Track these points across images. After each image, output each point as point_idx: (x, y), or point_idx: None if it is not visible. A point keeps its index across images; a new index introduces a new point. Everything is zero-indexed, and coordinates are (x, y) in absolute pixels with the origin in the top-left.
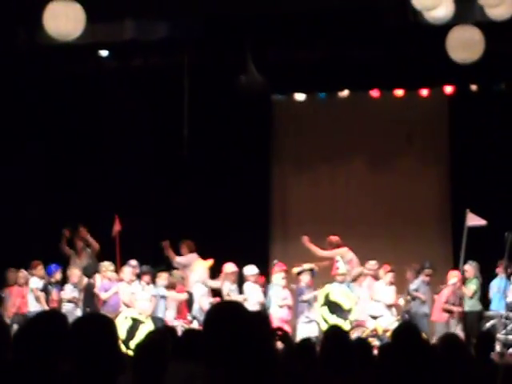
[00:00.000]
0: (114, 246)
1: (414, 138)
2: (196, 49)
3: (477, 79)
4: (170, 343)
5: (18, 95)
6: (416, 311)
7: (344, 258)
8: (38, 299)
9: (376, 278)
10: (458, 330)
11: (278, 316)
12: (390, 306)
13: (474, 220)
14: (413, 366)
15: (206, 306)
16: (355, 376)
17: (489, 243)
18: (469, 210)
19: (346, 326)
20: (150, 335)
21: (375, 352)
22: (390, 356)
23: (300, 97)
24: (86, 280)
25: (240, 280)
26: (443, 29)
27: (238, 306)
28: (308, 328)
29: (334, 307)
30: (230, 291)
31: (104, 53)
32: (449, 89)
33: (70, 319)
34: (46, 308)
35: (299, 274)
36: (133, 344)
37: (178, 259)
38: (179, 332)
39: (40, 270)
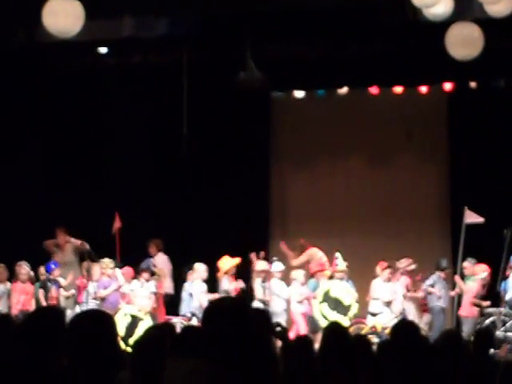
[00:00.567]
0: (114, 243)
1: (413, 135)
2: (195, 46)
3: (476, 76)
4: (168, 339)
5: (17, 92)
6: (432, 306)
7: (314, 258)
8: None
9: (407, 274)
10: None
11: (298, 311)
12: (388, 303)
13: (471, 217)
14: (412, 362)
15: (205, 303)
16: (354, 373)
17: (487, 240)
18: (467, 208)
19: (345, 322)
20: (148, 331)
21: (374, 349)
22: (389, 353)
23: (299, 94)
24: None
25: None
26: (442, 26)
27: (236, 302)
28: None
29: (333, 303)
30: (261, 288)
31: (103, 50)
32: (448, 86)
33: None
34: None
35: None
36: (132, 341)
37: (294, 262)
38: (178, 329)
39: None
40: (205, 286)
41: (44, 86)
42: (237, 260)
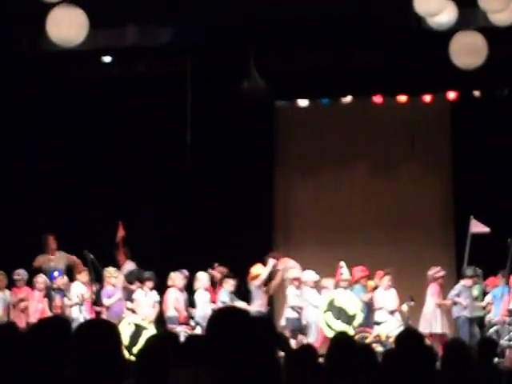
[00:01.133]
0: (117, 252)
1: (417, 144)
2: (199, 55)
3: (480, 85)
4: (171, 348)
5: (21, 101)
6: (458, 317)
7: (286, 268)
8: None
9: (436, 282)
10: None
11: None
12: (392, 312)
13: (477, 227)
14: (416, 371)
15: (209, 312)
16: (360, 382)
17: (492, 249)
18: (472, 217)
19: (350, 331)
20: (150, 340)
21: (378, 358)
22: (394, 362)
23: (303, 103)
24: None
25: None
26: (446, 34)
27: (240, 312)
28: None
29: (338, 313)
30: (294, 296)
31: (107, 59)
32: (452, 94)
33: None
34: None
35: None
36: (136, 350)
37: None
38: (182, 338)
39: (84, 275)
40: (208, 295)
41: (48, 95)
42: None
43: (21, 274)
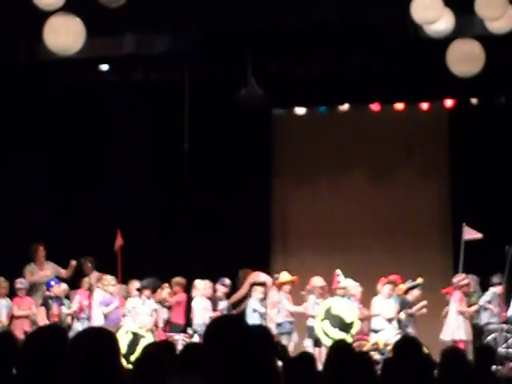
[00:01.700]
0: (115, 261)
1: (414, 152)
2: (196, 63)
3: (477, 92)
4: (167, 356)
5: (19, 109)
6: (488, 323)
7: (256, 280)
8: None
9: (460, 289)
10: None
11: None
12: (390, 320)
13: (470, 234)
14: (414, 379)
15: (207, 320)
16: None
17: (488, 256)
18: (465, 224)
19: (347, 339)
20: (147, 348)
21: (376, 365)
22: (392, 370)
23: (300, 111)
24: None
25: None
26: (443, 42)
27: (238, 320)
28: None
29: (335, 321)
30: (316, 305)
31: (104, 67)
32: (449, 102)
33: None
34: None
35: (409, 289)
36: (133, 358)
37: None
38: (180, 346)
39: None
40: (207, 303)
41: (45, 103)
42: (293, 277)
43: (23, 282)
